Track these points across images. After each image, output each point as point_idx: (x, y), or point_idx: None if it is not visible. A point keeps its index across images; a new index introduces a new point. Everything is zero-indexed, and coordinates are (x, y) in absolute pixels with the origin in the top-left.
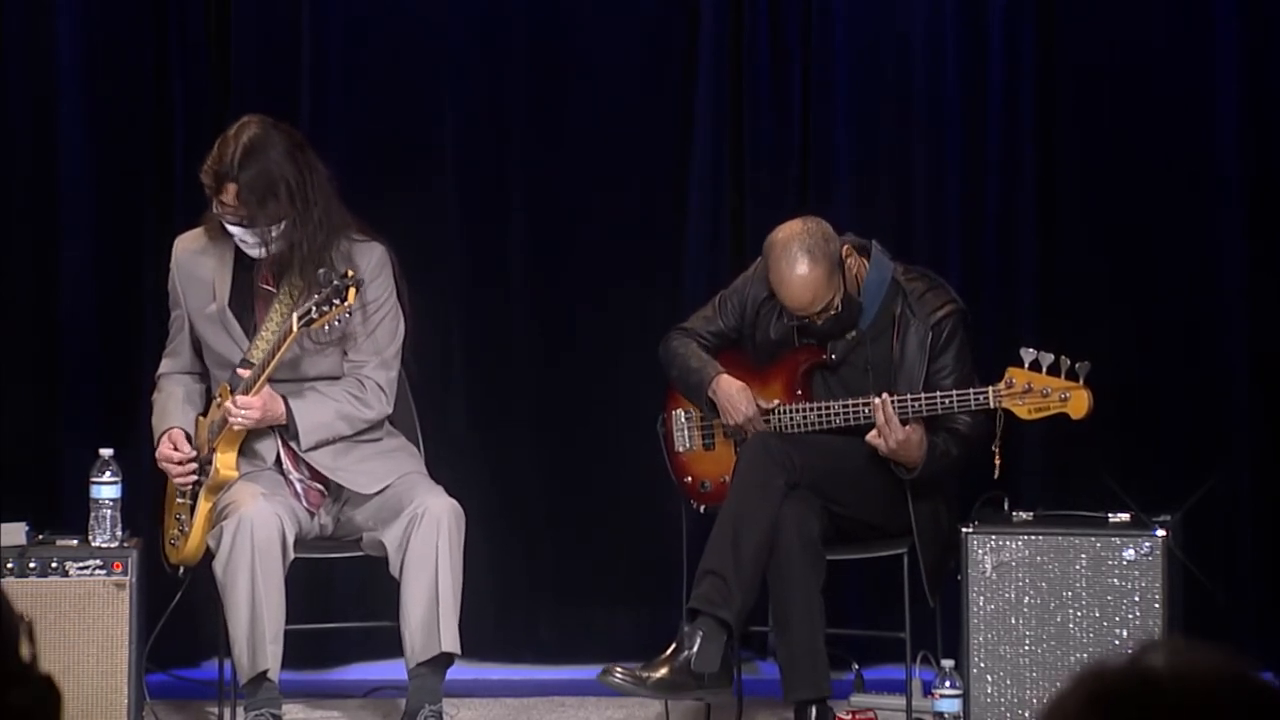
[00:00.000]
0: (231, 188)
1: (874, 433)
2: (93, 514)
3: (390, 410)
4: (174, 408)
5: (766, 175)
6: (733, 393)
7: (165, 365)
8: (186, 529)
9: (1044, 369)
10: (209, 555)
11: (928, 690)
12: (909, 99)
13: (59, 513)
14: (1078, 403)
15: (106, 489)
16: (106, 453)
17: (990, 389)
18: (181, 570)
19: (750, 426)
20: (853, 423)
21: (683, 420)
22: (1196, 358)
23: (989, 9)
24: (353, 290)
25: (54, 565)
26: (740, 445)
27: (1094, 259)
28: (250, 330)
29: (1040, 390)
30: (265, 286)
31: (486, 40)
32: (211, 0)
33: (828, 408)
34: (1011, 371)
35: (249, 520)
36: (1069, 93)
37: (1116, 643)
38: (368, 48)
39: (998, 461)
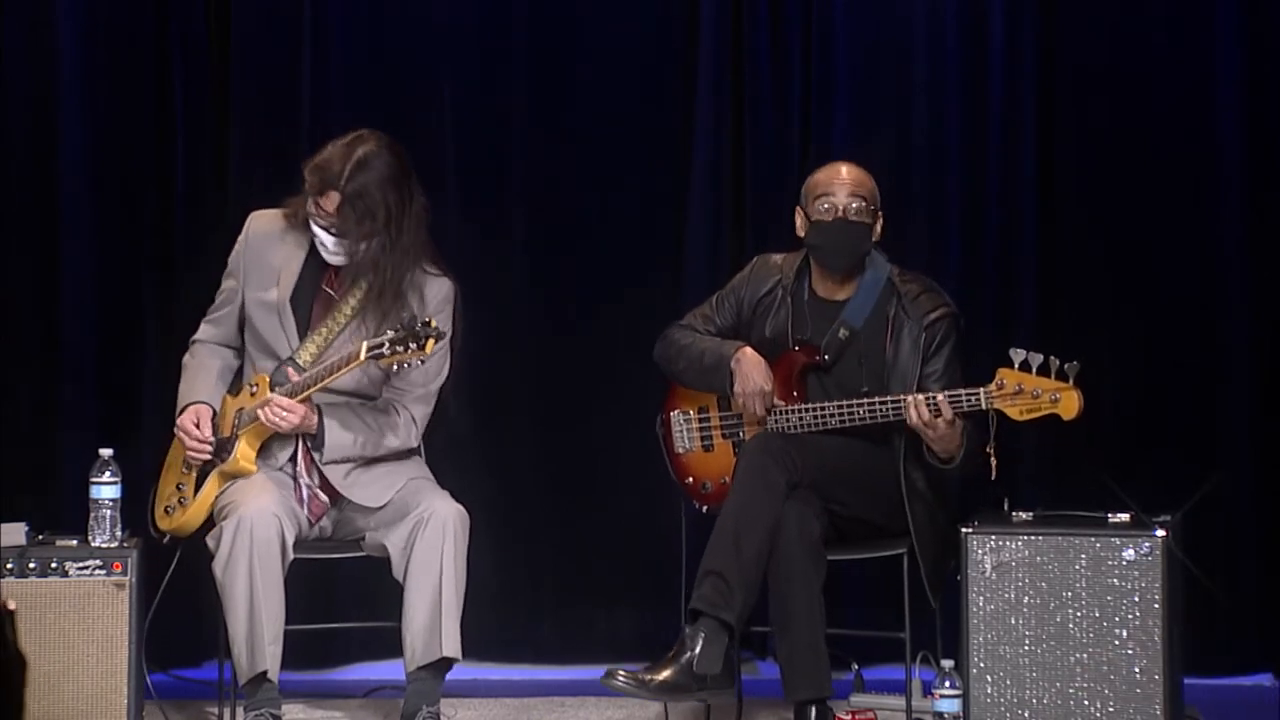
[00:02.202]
0: (334, 196)
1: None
2: (93, 514)
3: (416, 444)
4: (206, 381)
5: (766, 175)
6: (756, 363)
7: (204, 332)
8: (186, 501)
9: (1034, 369)
10: (200, 531)
11: (928, 690)
12: (909, 99)
13: (59, 513)
14: (1068, 404)
15: (106, 489)
16: (106, 453)
17: (981, 390)
18: (167, 539)
19: (753, 402)
20: (848, 423)
21: (681, 421)
22: (1196, 358)
23: (989, 10)
24: (432, 341)
25: (54, 565)
26: (739, 446)
27: (1094, 260)
28: (304, 329)
29: (1031, 391)
30: (329, 290)
31: (487, 41)
32: (212, 1)
33: (823, 408)
34: (1002, 373)
35: (248, 521)
36: (1069, 93)
37: (1116, 643)
38: (368, 49)
39: (994, 463)
